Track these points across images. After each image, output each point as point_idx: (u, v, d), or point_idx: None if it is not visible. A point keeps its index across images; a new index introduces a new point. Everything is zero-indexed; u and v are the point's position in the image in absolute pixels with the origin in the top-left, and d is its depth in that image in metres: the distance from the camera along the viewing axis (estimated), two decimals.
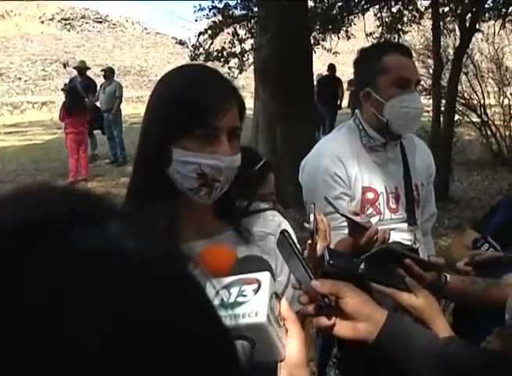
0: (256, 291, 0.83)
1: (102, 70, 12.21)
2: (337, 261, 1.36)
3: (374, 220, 2.06)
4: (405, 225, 2.13)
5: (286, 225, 1.41)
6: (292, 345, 0.84)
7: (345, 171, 2.05)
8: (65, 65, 14.79)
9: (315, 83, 11.20)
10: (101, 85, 11.83)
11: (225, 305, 0.81)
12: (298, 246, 1.42)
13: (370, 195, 2.08)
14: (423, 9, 10.58)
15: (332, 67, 14.58)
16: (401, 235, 2.07)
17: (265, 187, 2.12)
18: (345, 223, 1.78)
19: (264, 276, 0.85)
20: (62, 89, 12.05)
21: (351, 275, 1.39)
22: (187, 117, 1.16)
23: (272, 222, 1.38)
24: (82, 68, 11.99)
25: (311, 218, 1.61)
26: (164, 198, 1.20)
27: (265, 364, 0.83)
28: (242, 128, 1.27)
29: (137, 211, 1.21)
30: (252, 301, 0.81)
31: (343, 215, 1.63)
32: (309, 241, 1.55)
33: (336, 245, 1.86)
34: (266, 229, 1.35)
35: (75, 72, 12.44)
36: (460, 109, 9.59)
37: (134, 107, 26.21)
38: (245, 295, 0.82)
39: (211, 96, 1.17)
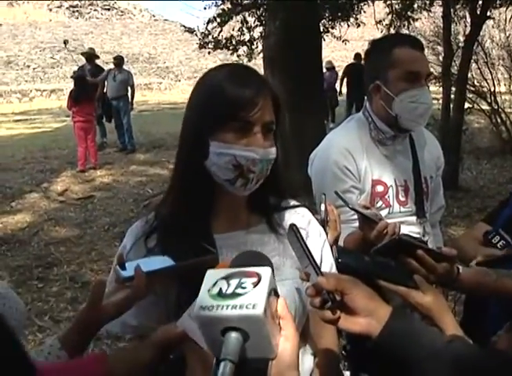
0: (255, 285, 0.82)
1: (114, 58, 12.16)
2: (346, 258, 1.36)
3: (383, 213, 2.05)
4: (414, 219, 2.12)
5: (315, 222, 1.49)
6: (285, 345, 0.85)
7: (355, 165, 2.04)
8: (65, 42, 14.51)
9: (324, 70, 11.17)
10: (108, 72, 11.80)
11: (222, 295, 0.82)
12: (323, 241, 1.44)
13: (380, 188, 2.08)
14: None
15: (358, 56, 14.50)
16: (410, 228, 2.07)
17: None
18: (355, 216, 1.77)
19: (265, 271, 0.85)
20: (71, 77, 12.02)
21: (360, 272, 1.39)
22: (221, 110, 1.22)
23: (303, 218, 1.46)
24: (91, 55, 11.96)
25: (322, 208, 1.61)
26: (202, 191, 1.30)
27: (256, 361, 0.83)
28: (278, 123, 1.32)
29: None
30: (251, 294, 0.81)
31: (353, 209, 1.63)
32: None
33: (346, 238, 1.86)
34: (297, 224, 1.40)
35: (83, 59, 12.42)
36: (470, 96, 9.52)
37: (142, 94, 26.23)
38: (244, 287, 0.82)
39: (246, 92, 1.22)
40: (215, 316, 0.79)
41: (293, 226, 1.13)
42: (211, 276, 0.87)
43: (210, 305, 0.81)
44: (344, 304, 1.11)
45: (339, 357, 1.51)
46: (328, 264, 1.45)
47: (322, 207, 1.65)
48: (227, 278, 0.85)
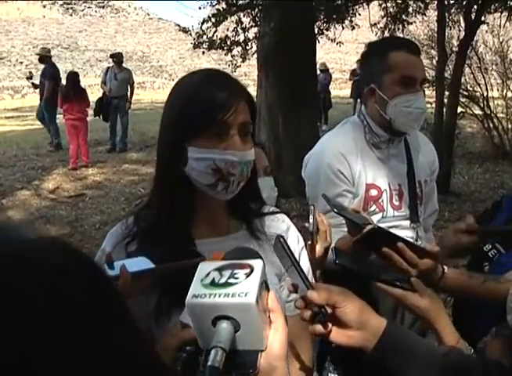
0: (248, 275, 0.84)
1: (112, 56, 12.02)
2: (343, 260, 1.35)
3: (377, 217, 2.04)
4: (407, 223, 2.11)
5: (293, 228, 1.48)
6: (275, 337, 0.86)
7: (349, 168, 2.03)
8: (28, 78, 13.16)
9: (318, 72, 11.17)
10: (107, 70, 11.71)
11: (215, 284, 0.83)
12: (300, 248, 1.43)
13: (374, 192, 2.06)
14: (428, 0, 10.51)
15: None
16: (403, 232, 2.05)
17: None
18: None
19: (257, 263, 0.87)
20: (27, 78, 11.77)
21: (357, 275, 1.39)
22: (198, 116, 1.21)
23: (283, 224, 1.46)
24: (43, 56, 11.71)
25: (311, 220, 1.59)
26: (183, 197, 1.29)
27: (246, 353, 0.84)
28: (254, 124, 1.34)
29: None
30: (243, 284, 0.82)
31: (339, 214, 1.59)
32: (309, 242, 1.54)
33: (337, 242, 1.85)
34: (277, 231, 1.41)
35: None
36: (463, 101, 9.55)
37: (135, 93, 26.12)
38: (237, 278, 0.84)
39: (220, 95, 1.22)
40: (208, 304, 0.81)
41: (280, 238, 1.12)
42: (204, 267, 0.88)
43: (202, 293, 0.82)
44: (336, 317, 1.09)
45: (313, 367, 1.49)
46: (304, 270, 1.44)
47: (311, 218, 1.62)
48: (220, 269, 0.87)
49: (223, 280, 0.84)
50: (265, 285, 0.87)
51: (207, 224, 1.35)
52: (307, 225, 1.57)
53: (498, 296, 1.52)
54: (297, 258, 1.41)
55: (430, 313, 1.30)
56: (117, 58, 11.78)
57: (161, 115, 1.33)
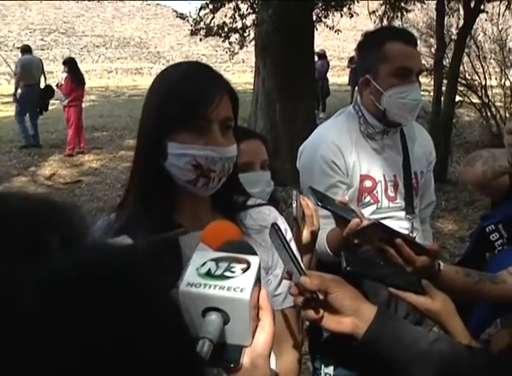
0: (244, 271, 0.85)
1: (19, 48, 11.27)
2: (355, 266, 1.33)
3: (372, 208, 2.04)
4: (402, 214, 2.10)
5: (282, 220, 1.44)
6: (261, 335, 0.86)
7: (343, 159, 2.02)
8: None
9: (315, 59, 11.12)
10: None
11: (211, 275, 0.84)
12: (288, 240, 1.42)
13: (368, 183, 2.05)
14: None
15: None
16: (398, 223, 2.05)
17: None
18: None
19: (254, 259, 0.88)
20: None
21: (367, 278, 1.38)
22: (178, 110, 1.19)
23: (269, 217, 1.41)
24: None
25: (294, 205, 1.58)
26: (163, 192, 1.27)
27: (230, 347, 0.84)
28: (236, 118, 1.30)
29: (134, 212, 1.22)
30: (239, 278, 0.83)
31: (323, 207, 1.57)
32: (295, 228, 1.53)
33: (328, 234, 1.84)
34: (263, 223, 1.38)
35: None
36: (461, 90, 9.53)
37: (133, 79, 26.02)
38: (233, 271, 0.84)
39: (201, 89, 1.20)
40: (202, 294, 0.81)
41: (274, 225, 1.13)
42: (200, 256, 0.89)
43: (197, 283, 0.82)
44: (328, 303, 1.11)
45: (300, 361, 1.49)
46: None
47: (294, 204, 1.61)
48: (216, 260, 0.87)
49: (219, 272, 0.84)
50: (258, 282, 0.87)
51: (190, 218, 1.32)
52: (291, 210, 1.56)
53: (492, 297, 1.52)
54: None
55: (442, 316, 1.30)
56: (25, 49, 11.12)
57: (143, 105, 1.29)
